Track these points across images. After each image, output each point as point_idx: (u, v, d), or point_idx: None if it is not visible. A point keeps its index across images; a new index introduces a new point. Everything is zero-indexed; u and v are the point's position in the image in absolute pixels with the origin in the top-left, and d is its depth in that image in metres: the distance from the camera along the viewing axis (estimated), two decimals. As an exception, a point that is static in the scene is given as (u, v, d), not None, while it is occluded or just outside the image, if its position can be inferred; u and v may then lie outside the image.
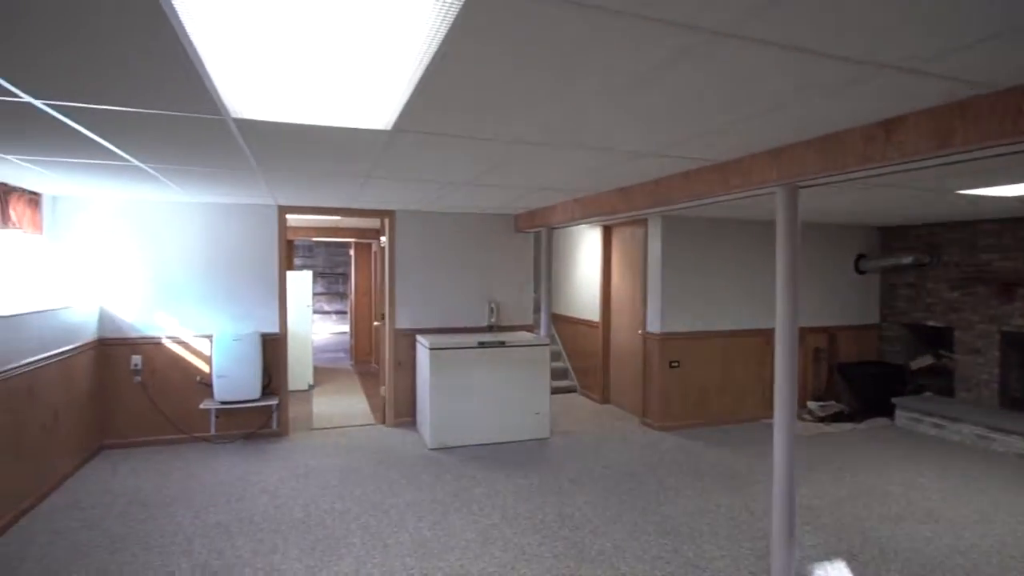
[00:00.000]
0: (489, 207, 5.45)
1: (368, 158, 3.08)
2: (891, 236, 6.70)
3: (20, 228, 4.20)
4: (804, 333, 6.12)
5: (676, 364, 5.74)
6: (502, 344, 5.24)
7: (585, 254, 7.23)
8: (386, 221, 5.78)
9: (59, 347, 4.16)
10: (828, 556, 3.25)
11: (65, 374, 4.26)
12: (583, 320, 7.24)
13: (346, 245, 12.61)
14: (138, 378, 5.00)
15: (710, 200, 3.39)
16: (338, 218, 6.57)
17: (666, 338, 5.70)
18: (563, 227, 5.99)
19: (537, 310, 6.67)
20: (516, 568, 3.06)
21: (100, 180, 3.89)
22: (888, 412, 6.15)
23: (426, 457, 4.83)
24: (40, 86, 1.92)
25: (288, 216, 6.02)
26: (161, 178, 3.77)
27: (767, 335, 6.02)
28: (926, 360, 6.34)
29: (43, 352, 3.92)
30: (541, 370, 5.37)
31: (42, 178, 3.83)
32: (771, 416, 6.04)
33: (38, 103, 2.09)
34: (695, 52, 1.55)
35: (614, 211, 4.16)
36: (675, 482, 4.31)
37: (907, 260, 6.24)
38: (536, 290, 6.61)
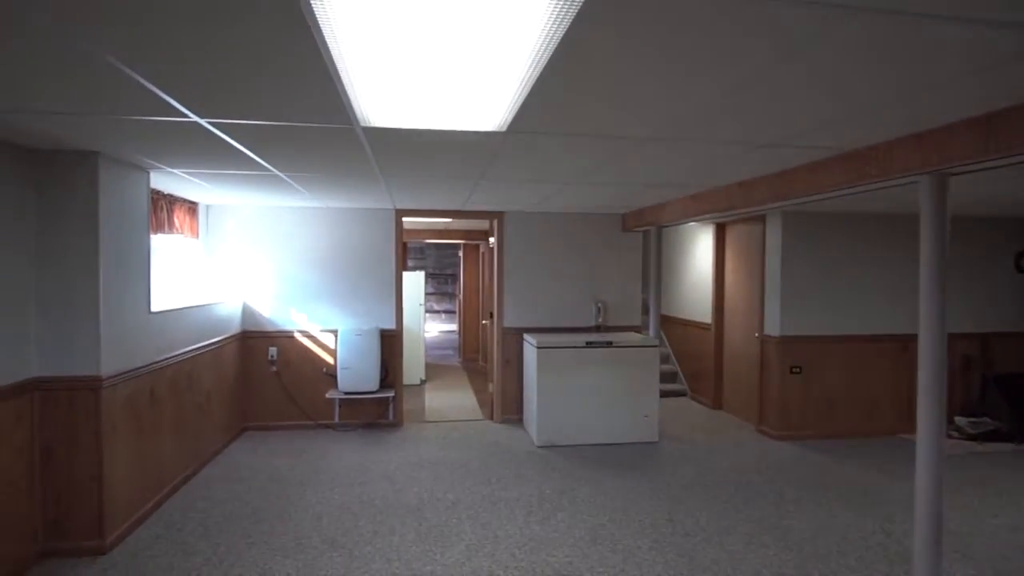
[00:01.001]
0: (597, 206, 5.41)
1: (482, 160, 3.18)
2: (1063, 230, 5.81)
3: (181, 233, 4.79)
4: (951, 339, 5.48)
5: (798, 370, 5.37)
6: (609, 344, 5.19)
7: (696, 253, 6.97)
8: (495, 222, 5.93)
9: (213, 337, 4.70)
10: (983, 590, 2.89)
11: (216, 361, 4.80)
12: (694, 322, 6.98)
13: (455, 247, 13.08)
14: (274, 368, 5.52)
15: (841, 192, 3.14)
16: (449, 220, 6.84)
17: (786, 342, 5.34)
18: (674, 225, 5.81)
19: (645, 311, 6.53)
20: (625, 570, 3.01)
21: (245, 189, 4.34)
22: (1059, 433, 5.34)
23: (533, 454, 4.89)
24: (204, 107, 2.18)
25: (404, 219, 6.37)
26: (296, 185, 4.14)
27: (903, 341, 5.46)
28: (1110, 374, 5.43)
29: (201, 341, 4.45)
30: (650, 372, 5.24)
31: (200, 189, 4.35)
32: (908, 431, 5.50)
33: (203, 121, 2.38)
34: (841, 31, 1.45)
35: (731, 207, 3.97)
36: (797, 495, 4.03)
37: (1085, 258, 5.39)
38: (644, 290, 6.46)
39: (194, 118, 2.34)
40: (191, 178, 3.85)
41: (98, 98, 2.10)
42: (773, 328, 5.43)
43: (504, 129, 2.47)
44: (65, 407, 3.07)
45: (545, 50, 1.59)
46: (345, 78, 1.85)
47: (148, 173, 3.64)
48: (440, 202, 5.18)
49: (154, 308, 3.71)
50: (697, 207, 4.47)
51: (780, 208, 5.02)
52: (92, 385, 3.08)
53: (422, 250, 13.91)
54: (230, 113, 2.28)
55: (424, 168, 3.45)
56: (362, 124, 2.43)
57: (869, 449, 5.10)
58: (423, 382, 7.88)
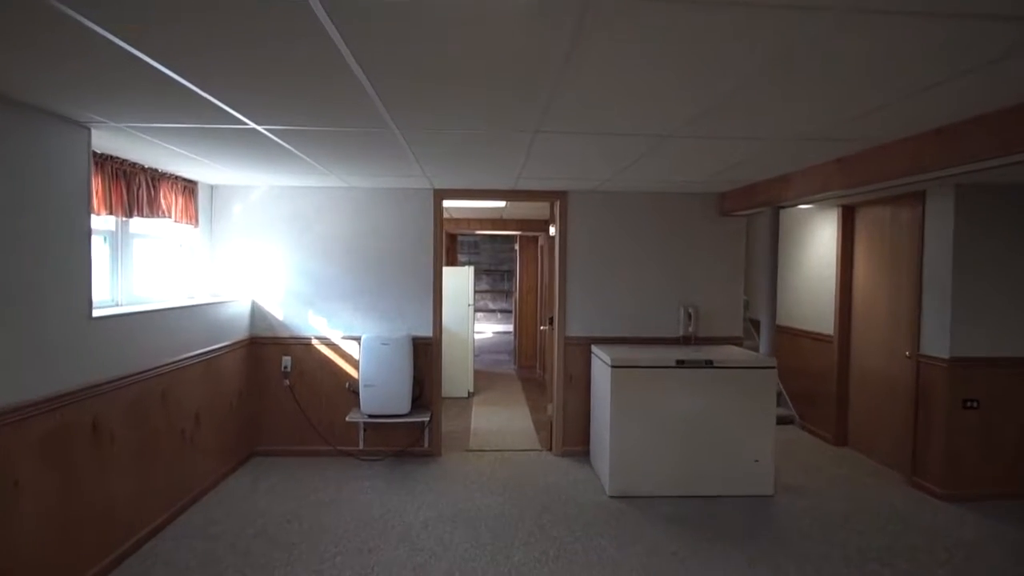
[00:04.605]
0: (688, 182, 4.13)
1: (542, 84, 2.01)
2: None
3: (170, 218, 3.88)
4: None
5: (974, 404, 3.89)
6: (709, 363, 3.89)
7: (812, 245, 5.52)
8: (556, 205, 4.75)
9: (206, 345, 3.76)
10: None
11: (211, 375, 3.86)
12: (806, 332, 5.54)
13: (511, 239, 12.01)
14: (287, 381, 4.57)
15: None
16: (502, 204, 5.73)
17: (957, 366, 3.88)
18: (800, 204, 4.42)
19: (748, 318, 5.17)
20: None
21: (242, 162, 3.36)
22: None
23: (604, 509, 3.69)
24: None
25: (449, 205, 5.29)
26: (294, 151, 3.11)
27: None
28: None
29: (187, 351, 3.50)
30: (764, 402, 3.91)
31: (192, 162, 3.41)
32: None
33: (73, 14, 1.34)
34: None
35: (917, 168, 2.61)
36: (1016, 610, 2.65)
37: None
38: (745, 292, 5.10)
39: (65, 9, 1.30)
40: (147, 136, 2.87)
41: None
42: (937, 346, 3.97)
43: (578, -9, 1.30)
44: (-61, 455, 2.15)
45: None
46: None
47: (88, 130, 2.70)
48: (487, 178, 4.04)
49: (96, 313, 2.77)
50: (846, 177, 3.13)
51: (956, 179, 3.61)
52: (-29, 425, 2.14)
53: (476, 244, 12.90)
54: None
55: (449, 97, 2.32)
56: (317, -10, 1.32)
57: (1088, 521, 3.58)
58: (470, 395, 6.80)
